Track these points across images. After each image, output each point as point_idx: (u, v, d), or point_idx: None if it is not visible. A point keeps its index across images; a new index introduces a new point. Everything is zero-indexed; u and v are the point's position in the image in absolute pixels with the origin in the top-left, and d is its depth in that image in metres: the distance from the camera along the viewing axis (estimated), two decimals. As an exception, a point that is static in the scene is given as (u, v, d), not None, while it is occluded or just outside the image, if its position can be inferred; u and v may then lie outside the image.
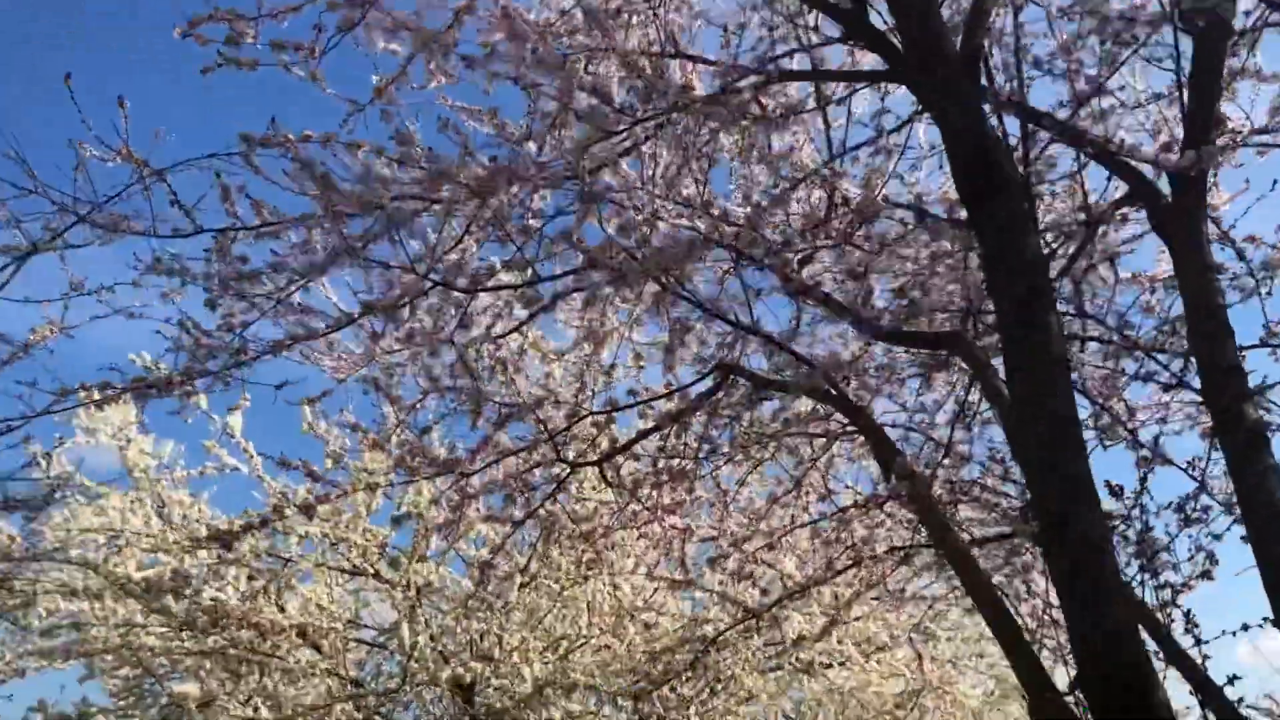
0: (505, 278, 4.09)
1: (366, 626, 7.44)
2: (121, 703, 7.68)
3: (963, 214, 3.36)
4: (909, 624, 7.88)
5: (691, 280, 3.88)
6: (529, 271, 3.86)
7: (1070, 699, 3.02)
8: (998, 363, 3.55)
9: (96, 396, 3.83)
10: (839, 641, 7.73)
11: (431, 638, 7.15)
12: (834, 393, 3.87)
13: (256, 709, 8.03)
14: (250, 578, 6.45)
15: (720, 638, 4.80)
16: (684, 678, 5.78)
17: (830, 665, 8.16)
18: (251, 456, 6.83)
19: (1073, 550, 2.54)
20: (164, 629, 6.58)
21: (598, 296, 3.97)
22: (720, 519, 5.25)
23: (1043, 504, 2.74)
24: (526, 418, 4.45)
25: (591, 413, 4.57)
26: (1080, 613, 2.52)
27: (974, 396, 4.15)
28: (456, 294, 3.90)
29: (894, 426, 4.40)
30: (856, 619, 7.77)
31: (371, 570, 6.66)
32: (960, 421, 4.14)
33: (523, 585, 7.31)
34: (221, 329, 4.33)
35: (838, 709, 7.44)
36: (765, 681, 6.92)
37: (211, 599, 6.22)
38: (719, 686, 7.02)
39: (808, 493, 5.23)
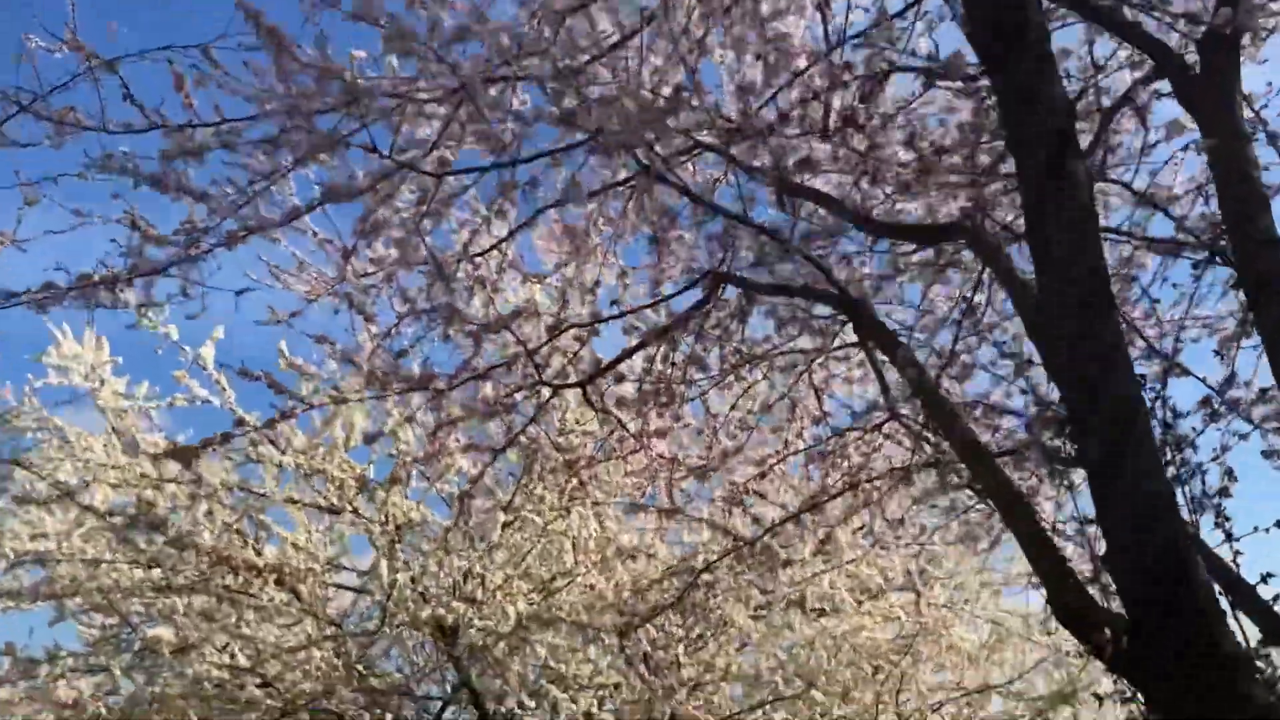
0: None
1: (347, 569, 7.20)
2: (93, 646, 7.47)
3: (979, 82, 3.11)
4: (903, 567, 7.68)
5: (676, 170, 3.61)
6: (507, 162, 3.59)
7: (1095, 589, 2.80)
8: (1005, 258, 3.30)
9: (40, 297, 3.56)
10: (831, 585, 7.54)
11: (412, 579, 6.93)
12: (834, 291, 3.61)
13: (233, 655, 7.84)
14: (209, 512, 6.18)
15: (710, 567, 4.57)
16: (672, 615, 5.58)
17: (824, 611, 7.97)
18: (225, 390, 6.56)
19: (1107, 417, 2.30)
20: (132, 564, 6.35)
21: (577, 193, 3.69)
22: (709, 445, 5.01)
23: (1074, 372, 2.49)
24: (504, 333, 4.19)
25: (573, 324, 4.31)
26: (1113, 486, 2.29)
27: (980, 298, 3.90)
28: (425, 180, 3.63)
29: (899, 330, 4.12)
30: (850, 562, 7.57)
31: (349, 506, 6.41)
32: (968, 319, 3.88)
33: (506, 524, 7.09)
34: (178, 233, 4.07)
35: (830, 653, 7.25)
36: (756, 624, 6.72)
37: (184, 532, 5.98)
38: (709, 630, 6.82)
39: (801, 418, 4.99)
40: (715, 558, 4.65)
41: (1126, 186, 3.69)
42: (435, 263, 3.89)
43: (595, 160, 3.55)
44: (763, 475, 5.00)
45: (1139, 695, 2.95)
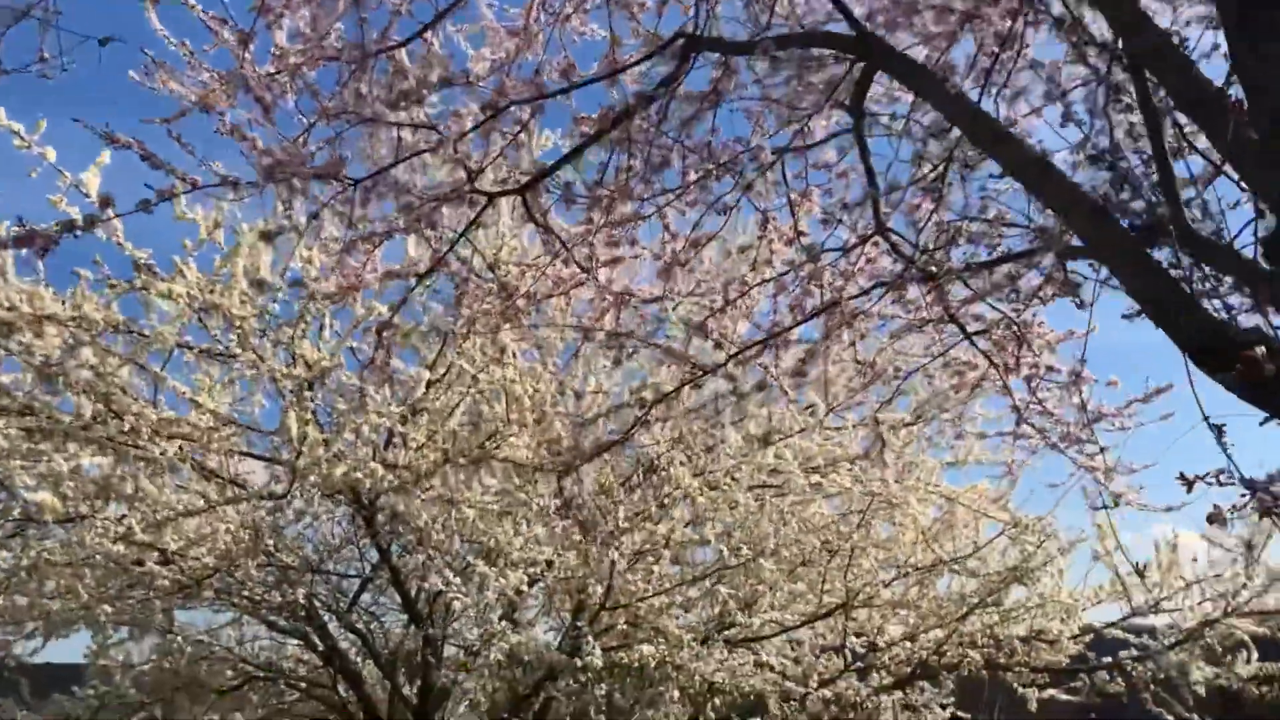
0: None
1: (252, 428, 6.48)
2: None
3: None
4: (856, 439, 7.24)
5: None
6: None
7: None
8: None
9: None
10: (777, 456, 7.07)
11: (325, 441, 6.24)
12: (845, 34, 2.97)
13: (130, 529, 7.13)
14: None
15: (665, 399, 3.99)
16: (611, 464, 5.02)
17: (772, 487, 7.52)
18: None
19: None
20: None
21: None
22: (666, 270, 4.38)
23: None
24: (426, 101, 3.49)
25: (514, 102, 3.61)
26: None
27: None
28: None
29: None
30: (799, 433, 7.10)
31: (251, 351, 5.66)
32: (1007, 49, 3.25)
33: (432, 382, 6.43)
34: None
35: (777, 525, 6.79)
36: (702, 489, 6.21)
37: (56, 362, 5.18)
38: (652, 494, 6.31)
39: (771, 241, 4.39)
40: (672, 390, 4.07)
41: None
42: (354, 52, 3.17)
43: None
44: (725, 307, 4.40)
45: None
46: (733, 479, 7.28)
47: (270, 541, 7.12)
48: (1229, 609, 7.44)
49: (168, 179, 3.52)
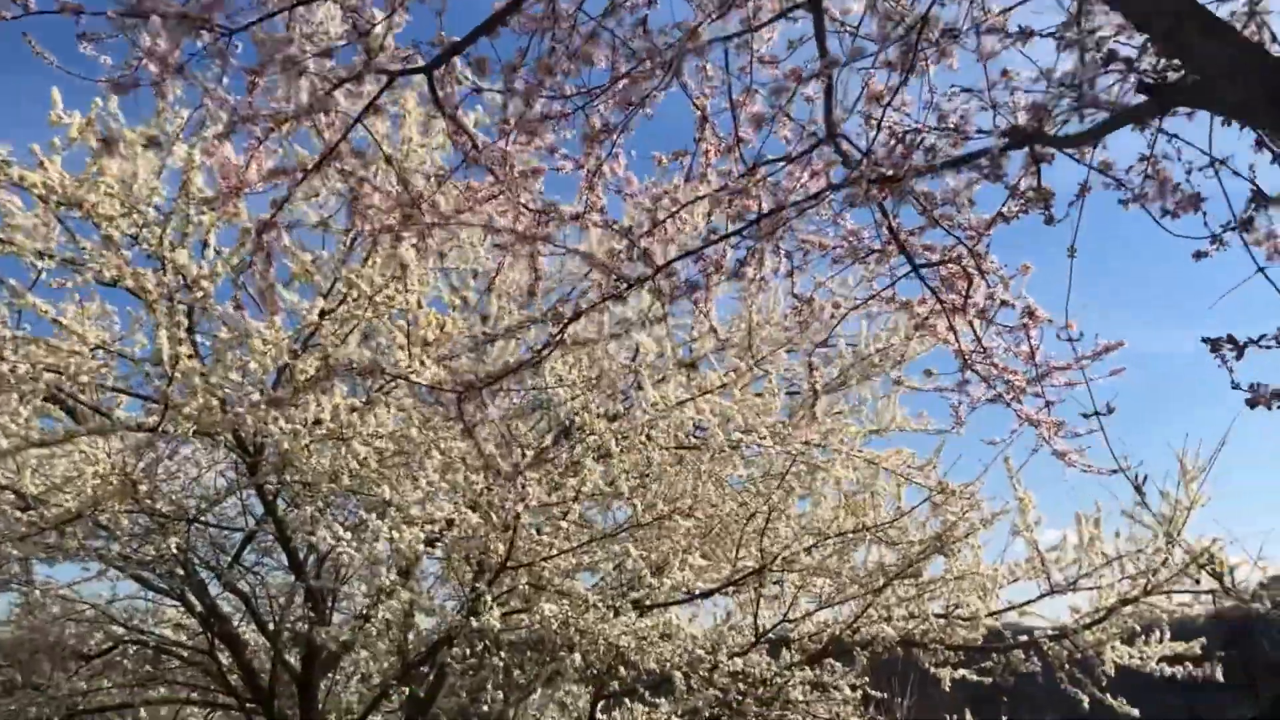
0: None
1: (125, 355, 5.83)
2: None
3: None
4: (778, 401, 6.89)
5: None
6: None
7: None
8: None
9: None
10: (697, 411, 6.67)
11: (203, 373, 5.63)
12: None
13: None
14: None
15: (580, 315, 3.50)
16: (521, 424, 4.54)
17: (688, 447, 7.13)
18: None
19: None
20: None
21: None
22: (588, 184, 3.92)
23: None
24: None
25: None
26: None
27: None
28: None
29: None
30: (720, 388, 6.71)
31: (116, 254, 5.00)
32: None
33: (324, 312, 5.86)
34: None
35: (694, 484, 6.39)
36: (618, 439, 5.77)
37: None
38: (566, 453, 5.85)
39: (707, 151, 3.96)
40: (591, 305, 3.59)
41: None
42: None
43: None
44: (653, 228, 3.95)
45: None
46: (648, 437, 6.88)
47: (144, 488, 6.48)
48: (1148, 587, 7.29)
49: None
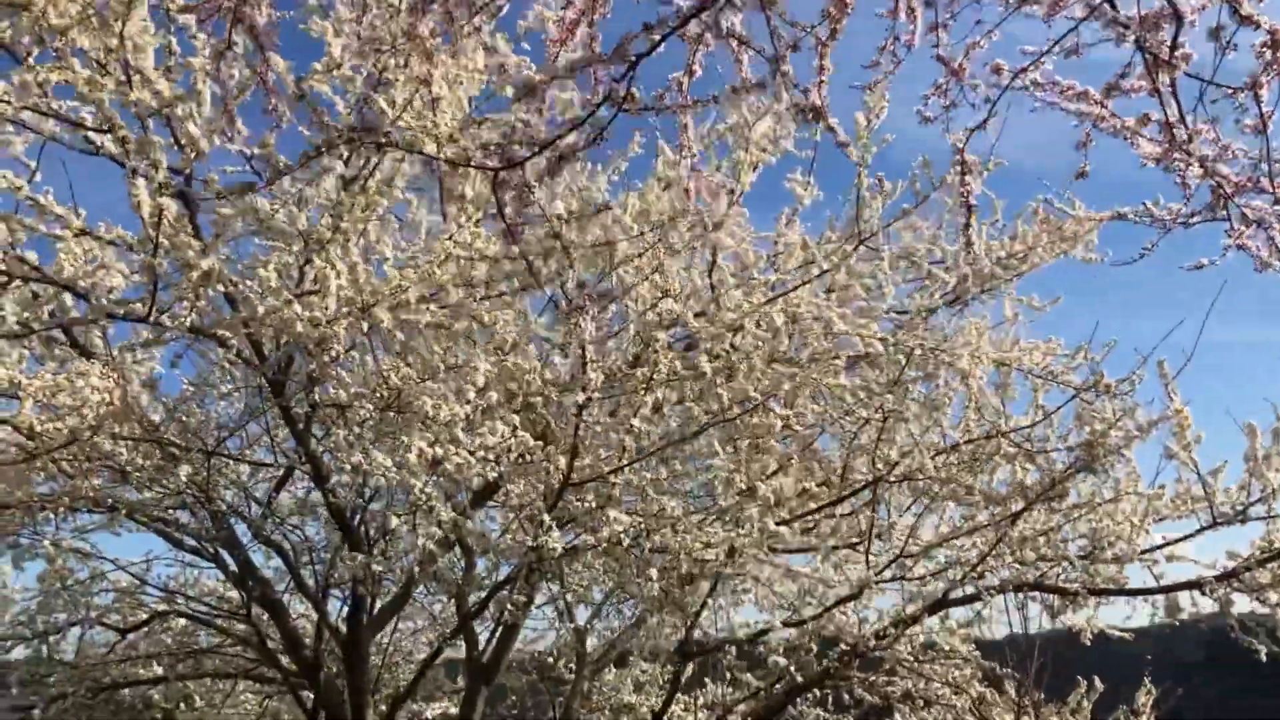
0: None
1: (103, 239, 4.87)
2: None
3: None
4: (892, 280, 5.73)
5: None
6: None
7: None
8: None
9: None
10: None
11: (205, 248, 4.66)
12: None
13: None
14: None
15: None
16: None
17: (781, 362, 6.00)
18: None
19: None
20: None
21: None
22: None
23: None
24: None
25: None
26: None
27: None
28: None
29: None
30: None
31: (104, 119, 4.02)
32: None
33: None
34: None
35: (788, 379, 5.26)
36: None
37: None
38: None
39: None
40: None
41: None
42: None
43: None
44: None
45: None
46: (732, 346, 5.75)
47: (145, 400, 5.57)
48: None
49: None
